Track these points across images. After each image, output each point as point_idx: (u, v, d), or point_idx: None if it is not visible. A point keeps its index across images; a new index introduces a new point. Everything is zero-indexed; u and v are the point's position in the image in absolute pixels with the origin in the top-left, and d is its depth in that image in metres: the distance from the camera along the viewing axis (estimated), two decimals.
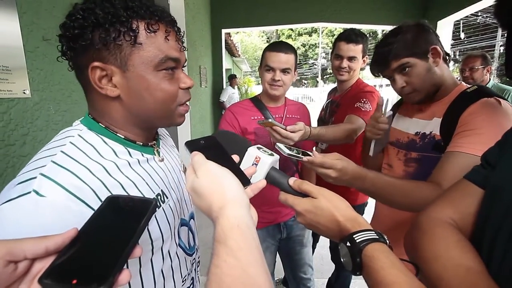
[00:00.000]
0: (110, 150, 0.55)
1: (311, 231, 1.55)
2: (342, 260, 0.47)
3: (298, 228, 1.48)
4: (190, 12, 3.41)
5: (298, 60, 1.36)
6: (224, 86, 5.17)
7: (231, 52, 10.36)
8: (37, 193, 0.42)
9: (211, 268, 0.34)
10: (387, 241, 0.46)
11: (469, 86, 0.91)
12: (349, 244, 0.45)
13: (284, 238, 1.49)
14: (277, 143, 0.86)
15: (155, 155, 0.65)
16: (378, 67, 0.97)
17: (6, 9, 1.04)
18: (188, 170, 0.46)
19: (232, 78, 5.86)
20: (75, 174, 0.46)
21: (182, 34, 0.61)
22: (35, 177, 0.43)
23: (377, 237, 0.45)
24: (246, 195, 0.43)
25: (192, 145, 0.49)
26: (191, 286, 0.71)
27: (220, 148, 0.52)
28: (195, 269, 0.74)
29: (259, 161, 0.56)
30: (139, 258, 0.53)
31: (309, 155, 0.82)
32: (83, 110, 0.61)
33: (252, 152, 0.57)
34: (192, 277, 0.72)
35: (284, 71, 1.28)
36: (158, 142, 0.69)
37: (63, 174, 0.45)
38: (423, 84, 0.91)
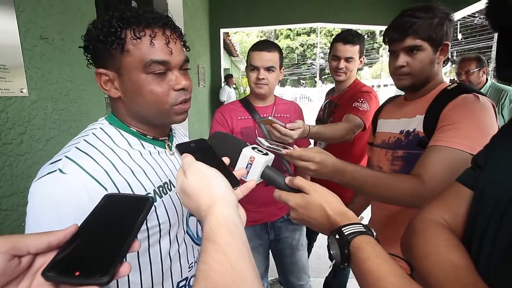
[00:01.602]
0: (125, 141, 0.64)
1: (303, 235, 1.54)
2: (331, 252, 0.49)
3: (287, 230, 1.47)
4: (189, 11, 3.41)
5: (289, 57, 1.38)
6: (222, 86, 5.19)
7: (230, 52, 10.37)
8: (61, 171, 0.52)
9: (200, 265, 0.34)
10: (374, 234, 0.47)
11: (449, 84, 0.94)
12: (338, 237, 0.47)
13: (273, 239, 1.49)
14: (258, 137, 0.88)
15: (167, 149, 0.71)
16: (393, 33, 0.94)
17: (3, 7, 1.03)
18: (178, 172, 0.47)
19: (228, 78, 5.90)
20: (92, 157, 0.56)
21: (179, 36, 0.65)
22: (61, 159, 0.54)
23: (364, 230, 0.46)
24: (235, 195, 0.44)
25: (182, 148, 0.51)
26: None
27: (210, 150, 0.53)
28: None
29: (253, 161, 0.57)
30: (148, 238, 0.61)
31: (289, 149, 0.84)
32: (81, 109, 0.63)
33: (247, 152, 0.59)
34: None
35: (268, 69, 1.28)
36: (171, 138, 0.75)
37: (82, 157, 0.56)
38: (420, 71, 0.92)
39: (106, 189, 0.54)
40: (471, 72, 2.49)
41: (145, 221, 0.58)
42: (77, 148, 0.57)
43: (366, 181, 0.84)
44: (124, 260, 0.32)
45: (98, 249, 0.33)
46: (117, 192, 0.56)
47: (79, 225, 0.35)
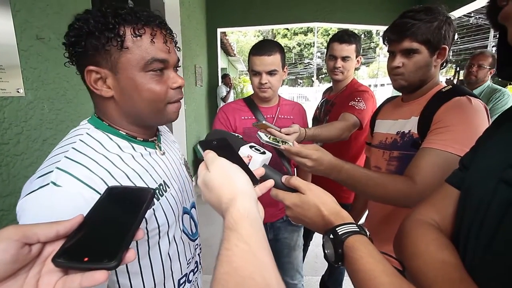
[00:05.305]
0: (115, 145, 0.61)
1: (301, 235, 1.55)
2: (326, 251, 0.49)
3: (286, 230, 1.48)
4: (186, 11, 3.41)
5: (286, 56, 1.34)
6: (219, 85, 5.21)
7: (227, 51, 10.35)
8: (54, 184, 0.48)
9: (222, 251, 0.36)
10: (367, 233, 0.48)
11: (444, 86, 0.95)
12: (332, 236, 0.48)
13: (272, 239, 1.49)
14: (258, 132, 0.89)
15: (157, 149, 0.70)
16: (391, 34, 0.95)
17: None
18: (201, 166, 0.48)
19: (224, 77, 5.93)
20: (85, 166, 0.53)
21: (174, 36, 0.65)
22: (52, 171, 0.50)
23: (358, 229, 0.47)
24: (254, 192, 0.46)
25: (205, 145, 0.52)
26: (196, 269, 0.78)
27: (231, 149, 0.55)
28: (198, 254, 0.81)
29: (251, 159, 0.58)
30: (148, 241, 0.60)
31: (289, 144, 0.86)
32: (77, 109, 0.62)
33: (244, 150, 0.60)
34: (196, 261, 0.79)
35: (271, 73, 1.27)
36: (159, 138, 0.74)
37: (75, 166, 0.52)
38: (414, 73, 0.94)
39: None
40: (483, 67, 2.43)
41: (145, 225, 0.58)
42: (67, 157, 0.53)
43: (360, 180, 0.85)
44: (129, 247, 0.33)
45: (104, 237, 0.34)
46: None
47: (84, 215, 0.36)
